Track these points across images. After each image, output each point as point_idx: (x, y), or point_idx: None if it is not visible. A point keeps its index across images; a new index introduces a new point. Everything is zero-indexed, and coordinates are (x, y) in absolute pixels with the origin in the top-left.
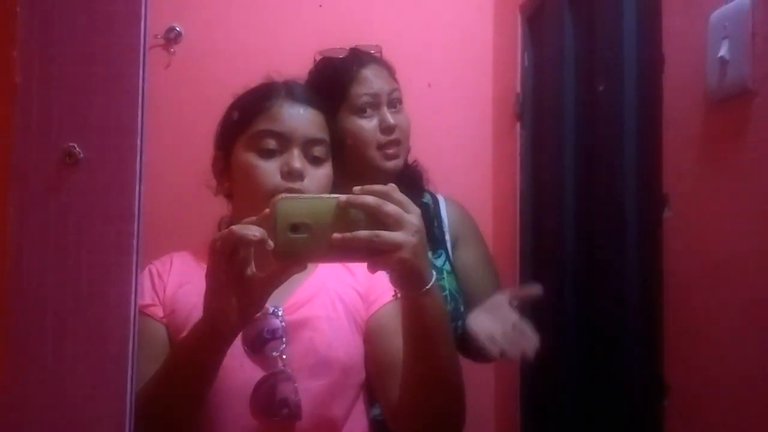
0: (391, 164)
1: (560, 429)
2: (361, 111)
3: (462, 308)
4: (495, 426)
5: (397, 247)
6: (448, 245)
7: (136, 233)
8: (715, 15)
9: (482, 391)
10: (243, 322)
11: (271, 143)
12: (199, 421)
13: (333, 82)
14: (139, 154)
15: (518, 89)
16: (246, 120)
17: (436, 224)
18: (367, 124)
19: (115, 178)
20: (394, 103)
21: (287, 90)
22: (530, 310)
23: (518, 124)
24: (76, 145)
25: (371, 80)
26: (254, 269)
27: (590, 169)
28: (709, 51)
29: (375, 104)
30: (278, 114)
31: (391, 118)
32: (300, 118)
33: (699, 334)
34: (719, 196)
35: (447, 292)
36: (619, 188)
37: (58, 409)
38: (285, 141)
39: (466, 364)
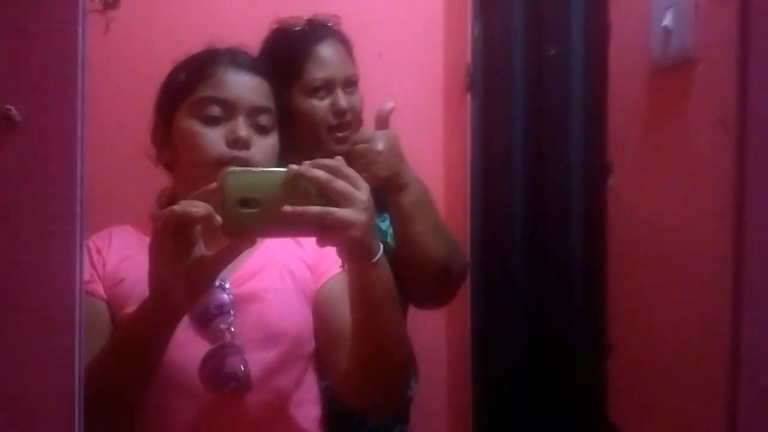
0: (339, 147)
1: (509, 389)
2: (314, 92)
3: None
4: (447, 391)
5: (347, 225)
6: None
7: (79, 199)
8: None
9: (434, 356)
10: (191, 302)
11: (216, 110)
12: (149, 396)
13: (288, 58)
14: (80, 116)
15: (469, 60)
16: (188, 86)
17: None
18: (319, 104)
19: (55, 141)
20: (350, 84)
21: (231, 57)
22: (479, 274)
23: (469, 95)
24: (12, 108)
25: (327, 62)
26: (202, 248)
27: (538, 138)
28: (654, 20)
29: (329, 87)
30: (223, 81)
31: (344, 101)
32: (245, 85)
33: (641, 297)
34: (662, 163)
35: (387, 231)
36: (565, 155)
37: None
38: (230, 108)
39: (417, 332)
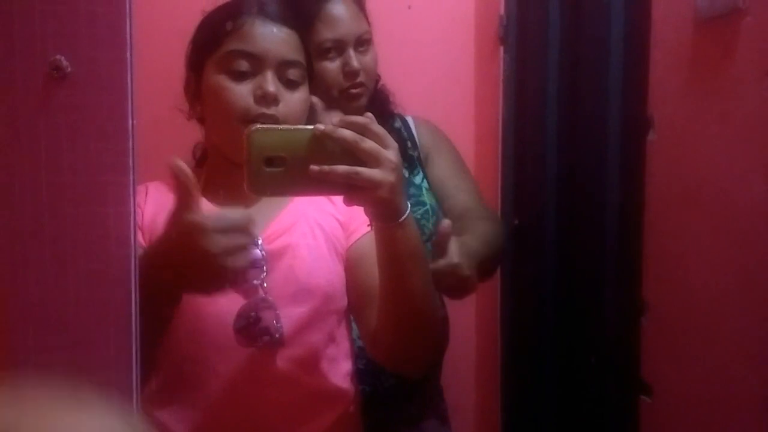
0: (352, 105)
1: (540, 347)
2: (325, 53)
3: None
4: (476, 349)
5: (375, 185)
6: (424, 162)
7: (131, 151)
8: None
9: (463, 314)
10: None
11: (243, 65)
12: (183, 351)
13: (299, 19)
14: (129, 67)
15: (501, 11)
16: (216, 40)
17: (410, 145)
18: (330, 66)
19: (106, 92)
20: (362, 43)
21: (260, 7)
22: (512, 233)
23: (501, 48)
24: (63, 58)
25: (337, 21)
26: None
27: (574, 93)
28: None
29: (340, 48)
30: (250, 33)
31: (355, 62)
32: (274, 38)
33: (678, 255)
34: (704, 118)
35: (428, 206)
36: (603, 110)
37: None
38: (258, 63)
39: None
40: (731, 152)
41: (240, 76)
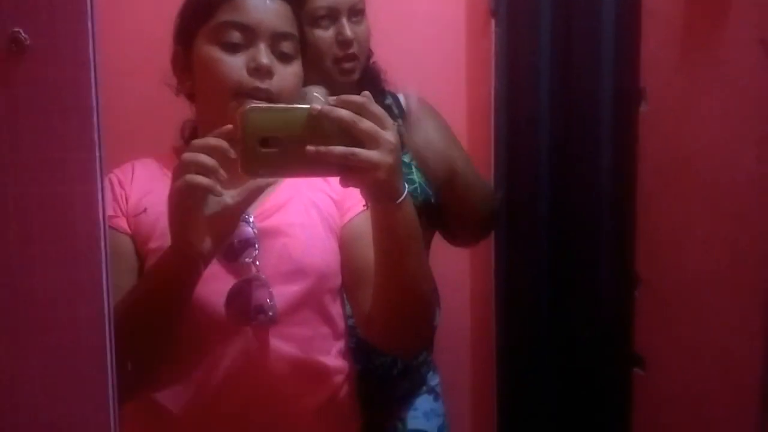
0: (345, 78)
1: (534, 320)
2: (317, 21)
3: (433, 200)
4: (471, 323)
5: (373, 166)
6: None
7: (96, 126)
8: None
9: (458, 289)
10: (216, 246)
11: (236, 36)
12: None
13: None
14: (91, 38)
15: None
16: (207, 10)
17: (400, 123)
18: (323, 35)
19: (67, 65)
20: (356, 13)
21: None
22: (506, 205)
23: (492, 21)
24: (21, 30)
25: None
26: (221, 191)
27: (566, 64)
28: None
29: (333, 16)
30: (243, 4)
31: (348, 31)
32: (267, 9)
33: (671, 228)
34: (697, 88)
35: (417, 185)
36: (595, 82)
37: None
38: (250, 34)
39: (439, 263)
40: (724, 123)
41: (232, 48)
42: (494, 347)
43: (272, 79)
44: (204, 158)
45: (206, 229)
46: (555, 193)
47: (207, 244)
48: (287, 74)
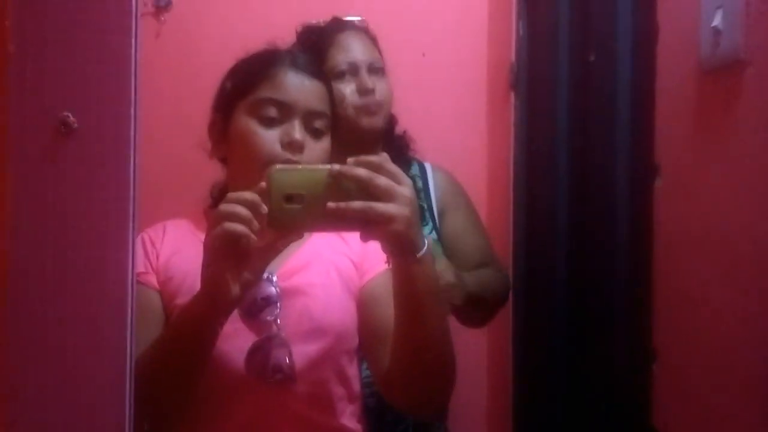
0: (367, 120)
1: (551, 393)
2: (339, 76)
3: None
4: (488, 391)
5: (389, 219)
6: (435, 214)
7: (131, 200)
8: None
9: (474, 357)
10: (242, 292)
11: (273, 111)
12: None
13: (312, 47)
14: (133, 122)
15: (513, 58)
16: (248, 85)
17: (422, 197)
18: (345, 88)
19: (110, 146)
20: (375, 71)
21: (292, 59)
22: (521, 276)
23: (512, 94)
24: (70, 114)
25: (350, 46)
26: (254, 239)
27: (583, 139)
28: (703, 20)
29: (353, 70)
30: (282, 82)
31: (369, 82)
32: (303, 88)
33: (687, 302)
34: (710, 165)
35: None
36: (611, 157)
37: (59, 372)
38: (287, 111)
39: (458, 332)
40: (737, 200)
41: (269, 122)
42: (511, 419)
43: (303, 153)
44: (241, 209)
45: (235, 276)
46: (572, 264)
47: (235, 290)
48: (317, 149)
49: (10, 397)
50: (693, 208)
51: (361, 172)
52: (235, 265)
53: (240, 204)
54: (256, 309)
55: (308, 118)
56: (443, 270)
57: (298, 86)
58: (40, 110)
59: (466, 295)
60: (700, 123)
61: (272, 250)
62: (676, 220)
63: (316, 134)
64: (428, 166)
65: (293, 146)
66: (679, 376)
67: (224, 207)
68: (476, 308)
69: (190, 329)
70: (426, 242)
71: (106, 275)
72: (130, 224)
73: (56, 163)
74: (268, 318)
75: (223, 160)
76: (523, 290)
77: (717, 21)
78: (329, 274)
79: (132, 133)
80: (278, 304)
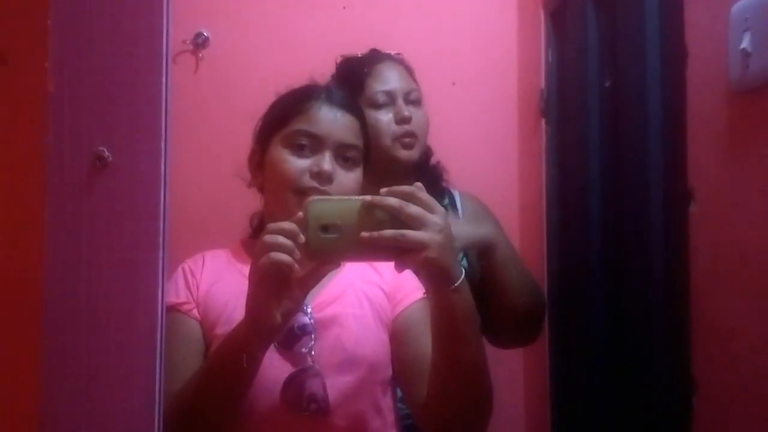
0: (405, 153)
1: (589, 427)
2: (376, 105)
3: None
4: (525, 424)
5: (422, 246)
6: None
7: (161, 231)
8: (737, 7)
9: (511, 388)
10: (285, 321)
11: (305, 142)
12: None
13: (351, 77)
14: (163, 157)
15: (543, 85)
16: (285, 118)
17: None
18: (383, 117)
19: (141, 179)
20: (411, 101)
21: (327, 94)
22: (555, 306)
23: (543, 121)
24: (105, 149)
25: (387, 76)
26: (297, 269)
27: (615, 165)
28: (731, 43)
29: (390, 100)
30: (315, 116)
31: (406, 111)
32: (336, 122)
33: (727, 330)
34: (744, 188)
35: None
36: (644, 183)
37: (90, 401)
38: (319, 142)
39: (495, 362)
40: None
41: (300, 152)
42: None
43: (332, 183)
44: (283, 240)
45: (277, 306)
46: (607, 293)
47: (277, 319)
48: (348, 179)
49: (43, 425)
50: (730, 233)
51: (393, 201)
52: (277, 295)
53: (281, 234)
54: (292, 340)
55: (339, 149)
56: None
57: (330, 119)
58: (77, 145)
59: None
60: (733, 146)
61: (312, 279)
62: (712, 245)
63: (347, 165)
64: (457, 194)
65: (322, 176)
66: (719, 408)
67: (268, 238)
68: (517, 310)
69: (232, 358)
70: (462, 271)
71: (137, 305)
72: (160, 255)
73: (91, 195)
74: (303, 350)
75: (261, 190)
76: (558, 319)
77: (745, 43)
78: (362, 304)
79: (163, 167)
80: (312, 336)
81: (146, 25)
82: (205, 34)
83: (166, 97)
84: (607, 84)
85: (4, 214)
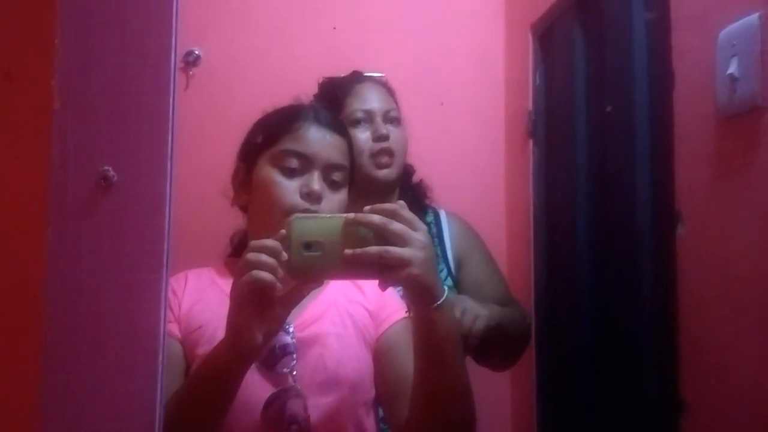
0: (382, 173)
1: None
2: (355, 122)
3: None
4: None
5: (405, 262)
6: (450, 260)
7: (165, 253)
8: (724, 33)
9: (497, 407)
10: (266, 340)
11: (294, 163)
12: None
13: (332, 97)
14: (169, 178)
15: (530, 107)
16: (273, 138)
17: (437, 242)
18: (361, 134)
19: (146, 200)
20: (390, 120)
21: (315, 114)
22: (546, 326)
23: (531, 142)
24: (110, 169)
25: (367, 96)
26: (279, 287)
27: (603, 186)
28: (719, 68)
29: (369, 118)
30: (304, 136)
31: (384, 129)
32: (324, 142)
33: (715, 350)
34: (731, 211)
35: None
36: (632, 205)
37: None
38: (308, 162)
39: (480, 380)
40: (762, 246)
41: (290, 173)
42: None
43: (321, 203)
44: (266, 258)
45: (259, 325)
46: (595, 313)
47: (258, 338)
48: (335, 200)
49: None
50: (717, 255)
51: (376, 218)
52: (259, 314)
53: (263, 251)
54: (273, 359)
55: (327, 170)
56: (463, 299)
57: (319, 140)
58: (82, 164)
59: (491, 322)
60: (720, 169)
61: (294, 297)
62: (701, 267)
63: (333, 186)
64: (443, 213)
65: (312, 196)
66: (707, 428)
67: (250, 255)
68: (500, 343)
69: (213, 377)
70: (445, 289)
71: (139, 325)
72: (164, 275)
73: (95, 214)
74: (284, 370)
75: (244, 209)
76: (545, 340)
77: (732, 68)
78: (345, 323)
79: (168, 187)
80: (294, 355)
81: (153, 44)
82: (197, 52)
83: (172, 117)
84: (609, 109)
85: (8, 232)
